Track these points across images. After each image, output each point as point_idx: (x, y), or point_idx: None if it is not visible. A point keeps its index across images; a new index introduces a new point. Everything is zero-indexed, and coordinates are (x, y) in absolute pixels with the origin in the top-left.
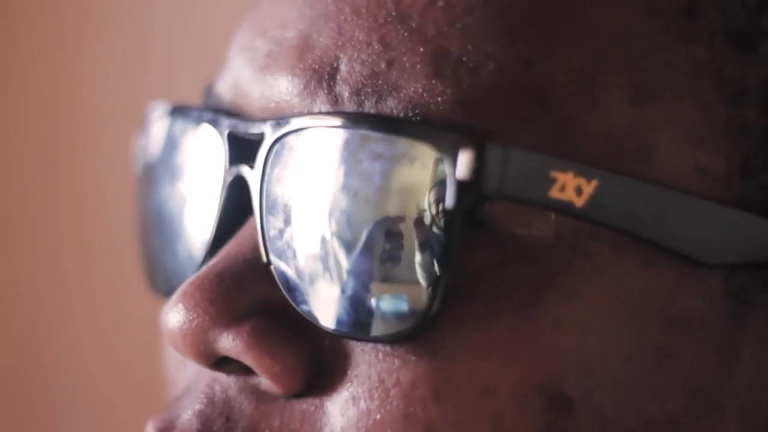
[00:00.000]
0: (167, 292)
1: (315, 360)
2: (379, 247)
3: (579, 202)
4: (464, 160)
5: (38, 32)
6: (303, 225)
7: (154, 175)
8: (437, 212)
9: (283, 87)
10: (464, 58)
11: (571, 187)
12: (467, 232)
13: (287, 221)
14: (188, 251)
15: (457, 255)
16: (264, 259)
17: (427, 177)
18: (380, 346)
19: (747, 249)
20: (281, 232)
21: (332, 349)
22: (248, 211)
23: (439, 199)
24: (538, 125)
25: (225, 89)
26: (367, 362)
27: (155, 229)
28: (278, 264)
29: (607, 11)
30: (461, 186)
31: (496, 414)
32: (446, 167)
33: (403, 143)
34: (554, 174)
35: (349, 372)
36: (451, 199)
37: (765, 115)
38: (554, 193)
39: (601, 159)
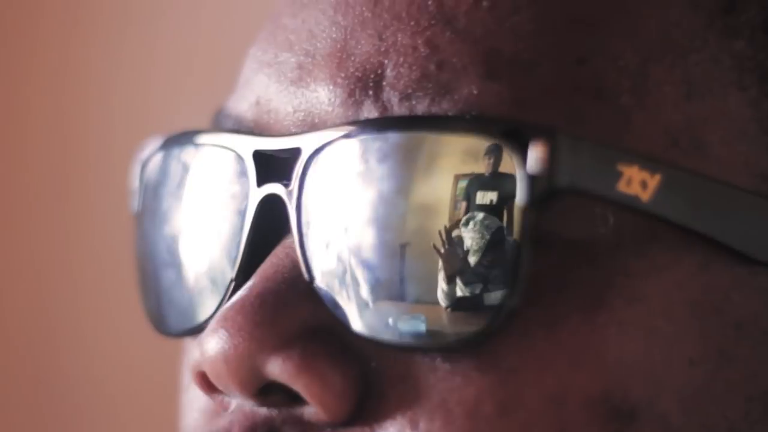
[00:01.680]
0: (185, 331)
1: (363, 385)
2: (441, 252)
3: (644, 196)
4: (536, 153)
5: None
6: (351, 238)
7: (160, 208)
8: (507, 210)
9: (324, 98)
10: (517, 57)
11: (636, 180)
12: None
13: (332, 236)
14: (211, 280)
15: (530, 256)
16: (306, 277)
17: (494, 174)
18: (439, 364)
19: None
20: (326, 248)
21: (381, 372)
22: (279, 231)
23: (508, 196)
24: (596, 121)
25: (244, 109)
26: (425, 382)
27: (166, 264)
28: (323, 282)
29: (654, 6)
30: (533, 181)
31: (564, 424)
32: (515, 162)
33: (465, 142)
34: (620, 167)
35: (404, 395)
36: (524, 195)
37: None
38: (621, 186)
39: (657, 155)
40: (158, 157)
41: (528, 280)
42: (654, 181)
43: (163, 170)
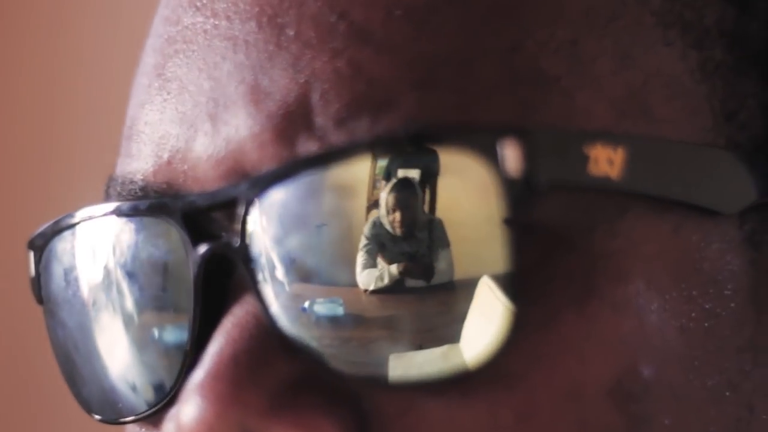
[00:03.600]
0: (138, 415)
1: (359, 426)
2: (431, 273)
3: (614, 173)
4: (509, 156)
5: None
6: (311, 277)
7: (77, 292)
8: (488, 221)
9: (250, 143)
10: (446, 59)
11: (603, 159)
12: None
13: (289, 279)
14: (159, 356)
15: (524, 263)
16: (275, 329)
17: (468, 187)
18: (440, 389)
19: (751, 192)
20: (287, 293)
21: (376, 410)
22: (223, 290)
23: (488, 206)
24: (543, 109)
25: (150, 171)
26: (431, 410)
27: (99, 350)
28: (293, 330)
29: None
30: (511, 185)
31: (583, 417)
32: (487, 170)
33: (427, 158)
34: (585, 149)
35: (410, 428)
36: (506, 202)
37: (729, 53)
38: (591, 169)
39: (611, 130)
40: (60, 240)
41: (526, 282)
42: (618, 156)
43: (70, 252)
